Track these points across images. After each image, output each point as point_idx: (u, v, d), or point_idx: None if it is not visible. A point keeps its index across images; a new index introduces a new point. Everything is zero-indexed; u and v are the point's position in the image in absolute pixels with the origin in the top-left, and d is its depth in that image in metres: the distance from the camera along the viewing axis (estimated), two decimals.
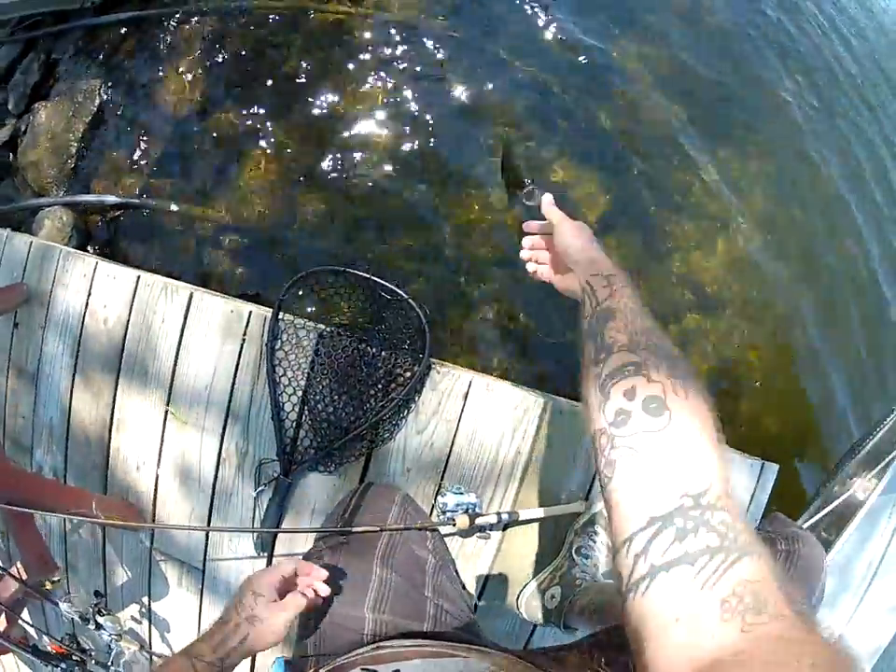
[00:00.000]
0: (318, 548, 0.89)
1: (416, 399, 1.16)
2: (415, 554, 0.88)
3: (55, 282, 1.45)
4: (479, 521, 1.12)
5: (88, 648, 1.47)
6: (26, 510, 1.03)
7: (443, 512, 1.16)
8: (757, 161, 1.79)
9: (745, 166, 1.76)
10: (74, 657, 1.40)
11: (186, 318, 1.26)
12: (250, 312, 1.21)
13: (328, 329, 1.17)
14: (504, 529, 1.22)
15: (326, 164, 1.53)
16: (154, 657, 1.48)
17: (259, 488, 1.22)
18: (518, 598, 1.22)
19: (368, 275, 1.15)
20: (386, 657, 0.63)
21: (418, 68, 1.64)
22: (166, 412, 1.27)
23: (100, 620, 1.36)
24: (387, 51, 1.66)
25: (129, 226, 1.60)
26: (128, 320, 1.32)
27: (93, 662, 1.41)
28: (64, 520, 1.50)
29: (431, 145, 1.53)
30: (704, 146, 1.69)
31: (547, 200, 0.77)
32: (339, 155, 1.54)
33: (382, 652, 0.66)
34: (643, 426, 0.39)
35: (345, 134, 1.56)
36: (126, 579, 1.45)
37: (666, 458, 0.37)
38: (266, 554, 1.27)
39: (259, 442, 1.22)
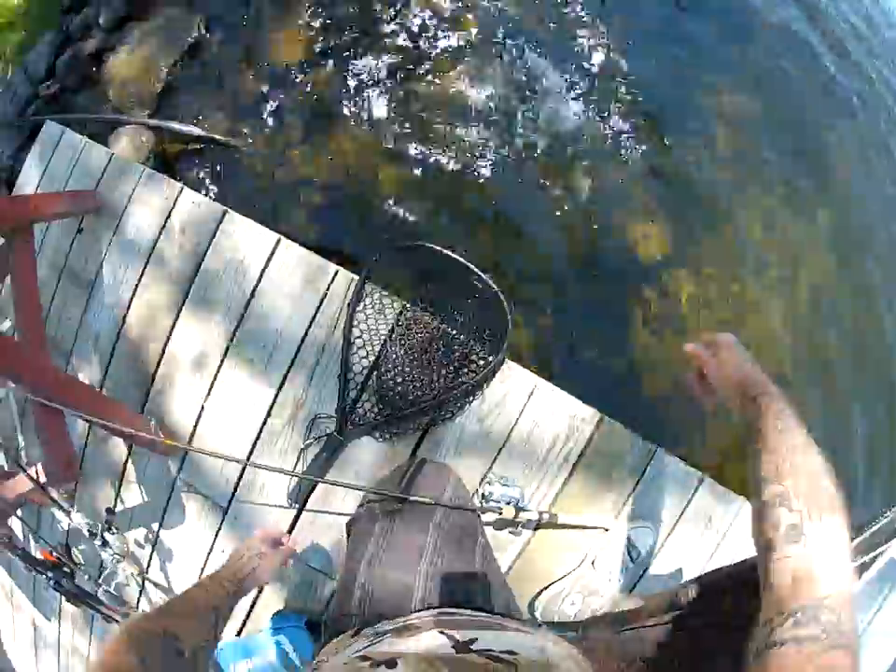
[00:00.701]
0: (372, 508, 0.89)
1: (484, 387, 1.16)
2: (467, 532, 0.90)
3: (132, 198, 1.40)
4: (522, 515, 1.13)
5: (79, 562, 1.43)
6: (66, 409, 0.99)
7: (487, 501, 1.17)
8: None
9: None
10: (64, 568, 1.36)
11: (268, 262, 1.23)
12: (337, 271, 1.19)
13: (411, 303, 1.16)
14: (535, 529, 1.23)
15: (420, 142, 1.51)
16: (149, 584, 1.45)
17: (309, 441, 1.21)
18: (535, 599, 1.23)
19: (463, 260, 1.15)
20: (464, 623, 0.63)
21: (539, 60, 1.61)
22: (227, 347, 1.25)
23: (108, 537, 1.32)
24: (498, 43, 1.64)
25: (208, 162, 1.55)
26: (206, 251, 1.29)
27: (85, 577, 1.37)
28: (89, 430, 1.46)
29: (536, 144, 1.52)
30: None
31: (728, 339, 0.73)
32: (435, 134, 1.52)
33: (456, 618, 0.65)
34: (787, 551, 0.47)
35: (447, 116, 1.54)
36: (141, 502, 1.41)
37: (801, 570, 0.46)
38: (297, 507, 1.25)
39: (319, 397, 1.21)
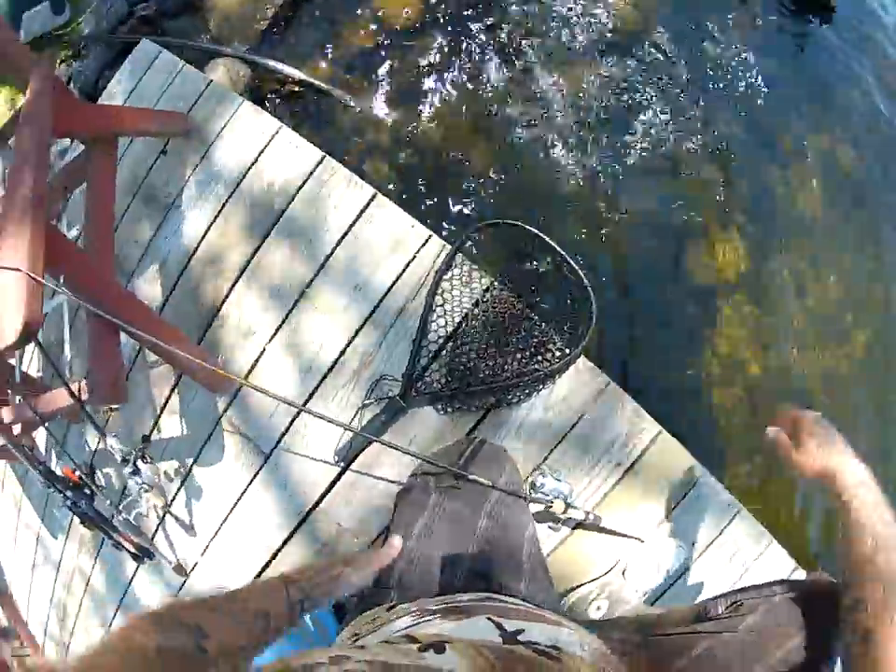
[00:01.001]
0: (427, 481, 0.86)
1: (556, 378, 1.14)
2: (519, 519, 0.87)
3: (226, 128, 1.37)
4: (570, 512, 1.11)
5: (101, 485, 1.40)
6: (129, 328, 0.95)
7: (536, 491, 1.15)
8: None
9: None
10: (84, 489, 1.33)
11: (360, 215, 1.20)
12: (430, 235, 1.16)
13: (499, 281, 1.14)
14: (574, 528, 1.21)
15: (523, 126, 1.47)
16: (170, 519, 1.43)
17: (369, 401, 1.18)
18: (563, 597, 1.21)
19: (558, 248, 1.13)
20: (510, 612, 0.60)
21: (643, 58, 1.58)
22: (302, 292, 1.22)
23: (140, 465, 1.28)
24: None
25: (303, 108, 1.52)
26: (296, 193, 1.26)
27: (105, 501, 1.34)
28: (138, 353, 1.43)
29: (633, 148, 1.49)
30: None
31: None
32: (540, 121, 1.48)
33: (502, 606, 0.62)
34: None
35: (555, 105, 1.50)
36: (179, 434, 1.38)
37: None
38: (342, 464, 1.23)
39: (388, 358, 1.18)
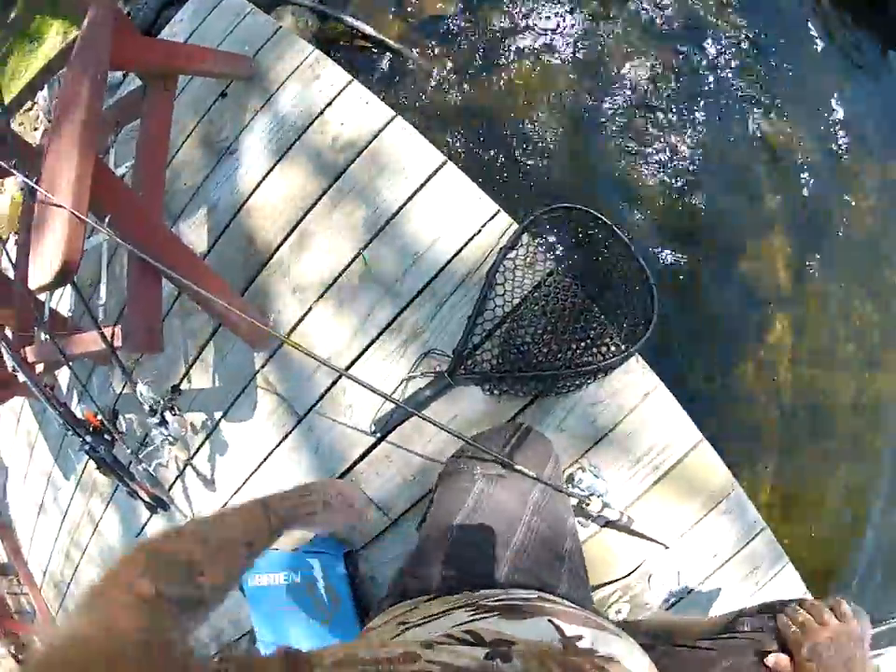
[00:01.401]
0: (473, 466, 0.81)
1: (608, 373, 1.10)
2: (562, 515, 0.83)
3: (292, 76, 1.30)
4: (605, 511, 1.08)
5: (122, 431, 1.35)
6: (174, 275, 0.89)
7: (573, 486, 1.12)
8: None
9: None
10: (105, 434, 1.28)
11: (428, 181, 1.14)
12: (498, 210, 1.10)
13: (563, 267, 1.09)
14: (603, 526, 1.18)
15: (597, 107, 1.40)
16: (190, 471, 1.39)
17: (415, 374, 1.14)
18: None
19: (629, 242, 1.08)
20: (568, 616, 0.56)
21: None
22: (359, 254, 1.17)
23: (168, 416, 1.22)
24: None
25: (370, 66, 1.45)
26: (361, 151, 1.20)
27: (125, 448, 1.29)
28: (177, 298, 1.38)
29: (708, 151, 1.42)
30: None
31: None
32: (613, 104, 1.41)
33: (559, 608, 0.58)
34: None
35: (640, 91, 1.43)
36: (211, 387, 1.34)
37: None
38: (378, 436, 1.19)
39: (439, 332, 1.13)
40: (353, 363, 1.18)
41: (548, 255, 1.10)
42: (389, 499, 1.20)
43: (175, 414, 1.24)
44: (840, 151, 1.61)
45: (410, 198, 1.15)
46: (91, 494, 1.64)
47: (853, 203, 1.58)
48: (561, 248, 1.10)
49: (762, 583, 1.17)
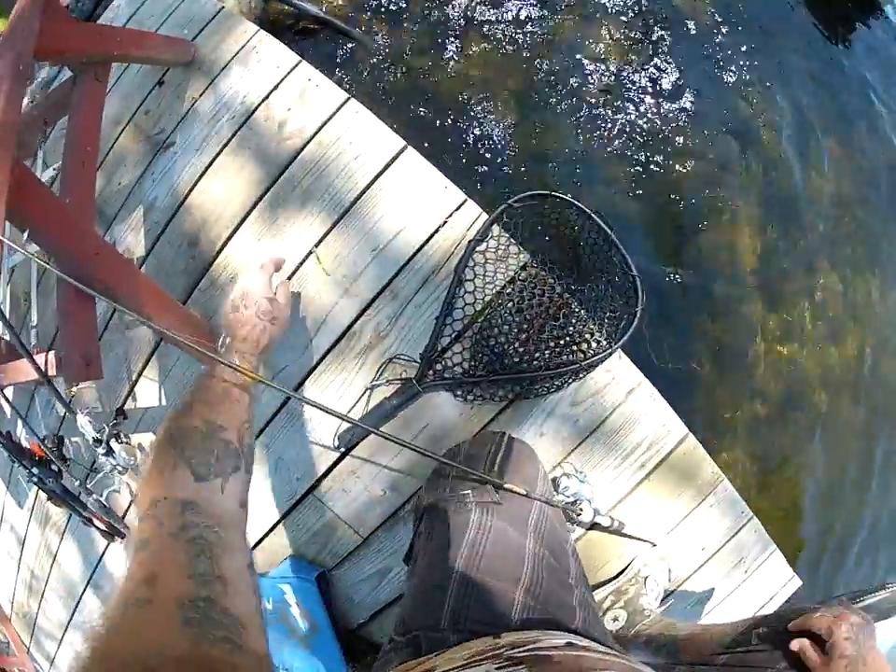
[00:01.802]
0: (461, 495, 0.65)
1: (589, 371, 0.92)
2: (561, 536, 0.68)
3: (235, 59, 1.08)
4: (598, 519, 0.91)
5: (69, 458, 1.11)
6: (111, 302, 0.67)
7: (559, 493, 0.94)
8: None
9: None
10: (52, 466, 1.04)
11: (386, 169, 0.94)
12: (465, 200, 0.92)
13: (538, 259, 0.91)
14: (588, 529, 1.01)
15: (557, 83, 1.21)
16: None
17: (378, 382, 0.94)
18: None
19: (610, 233, 0.91)
20: (603, 665, 0.43)
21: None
22: (311, 252, 0.96)
23: (115, 446, 0.99)
24: None
25: (317, 48, 1.22)
26: (312, 137, 0.98)
27: (73, 479, 1.05)
28: (114, 312, 1.13)
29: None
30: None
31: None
32: (573, 81, 1.22)
33: (591, 656, 0.45)
34: None
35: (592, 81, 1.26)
36: (157, 404, 1.10)
37: None
38: (342, 450, 0.99)
39: (404, 335, 0.94)
40: (310, 373, 0.97)
41: (521, 247, 0.92)
42: (359, 517, 1.01)
43: (121, 442, 1.01)
44: (803, 127, 1.47)
45: (367, 188, 0.95)
46: (45, 524, 1.38)
47: (815, 179, 1.45)
48: (535, 240, 0.91)
49: (750, 571, 1.06)
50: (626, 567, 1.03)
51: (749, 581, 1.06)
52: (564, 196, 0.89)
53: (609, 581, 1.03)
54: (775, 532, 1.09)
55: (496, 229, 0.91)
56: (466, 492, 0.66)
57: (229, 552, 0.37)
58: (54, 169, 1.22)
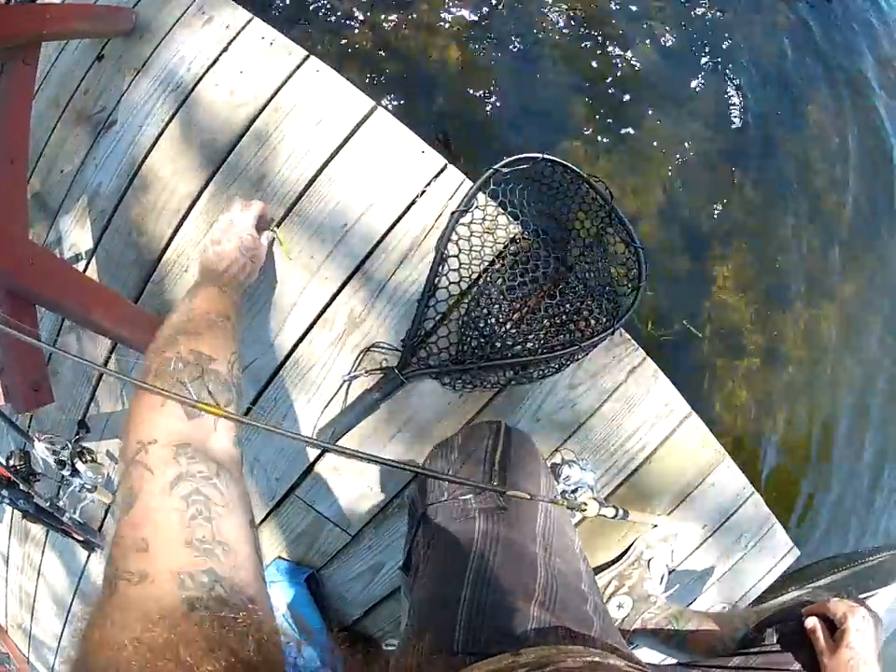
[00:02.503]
0: (467, 503, 0.51)
1: (588, 352, 0.71)
2: (568, 536, 0.53)
3: (179, 22, 0.81)
4: (603, 511, 0.72)
5: (39, 472, 0.86)
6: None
7: (560, 483, 0.74)
8: None
9: None
10: (20, 487, 0.80)
11: (353, 133, 0.71)
12: (445, 165, 0.69)
13: (529, 231, 0.69)
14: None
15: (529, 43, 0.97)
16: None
17: (356, 373, 0.71)
18: None
19: (609, 200, 0.69)
20: None
21: None
22: (271, 232, 0.71)
23: (80, 466, 0.77)
24: None
25: (269, 4, 0.93)
26: (267, 102, 0.74)
27: (44, 500, 0.81)
28: (63, 320, 0.87)
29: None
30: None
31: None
32: (546, 40, 0.97)
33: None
34: None
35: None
36: (121, 408, 0.86)
37: None
38: (318, 452, 0.77)
39: (383, 319, 0.72)
40: (280, 366, 0.74)
41: (510, 218, 0.69)
42: (345, 514, 0.81)
43: (85, 461, 0.80)
44: (771, 87, 1.24)
45: (331, 157, 0.71)
46: (25, 539, 1.14)
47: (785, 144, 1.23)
48: (525, 209, 0.69)
49: (749, 546, 0.90)
50: (627, 550, 0.85)
51: (748, 555, 0.92)
52: (556, 159, 0.67)
53: (611, 564, 0.86)
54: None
55: (481, 197, 0.69)
56: (467, 497, 0.51)
57: (228, 509, 0.29)
58: None
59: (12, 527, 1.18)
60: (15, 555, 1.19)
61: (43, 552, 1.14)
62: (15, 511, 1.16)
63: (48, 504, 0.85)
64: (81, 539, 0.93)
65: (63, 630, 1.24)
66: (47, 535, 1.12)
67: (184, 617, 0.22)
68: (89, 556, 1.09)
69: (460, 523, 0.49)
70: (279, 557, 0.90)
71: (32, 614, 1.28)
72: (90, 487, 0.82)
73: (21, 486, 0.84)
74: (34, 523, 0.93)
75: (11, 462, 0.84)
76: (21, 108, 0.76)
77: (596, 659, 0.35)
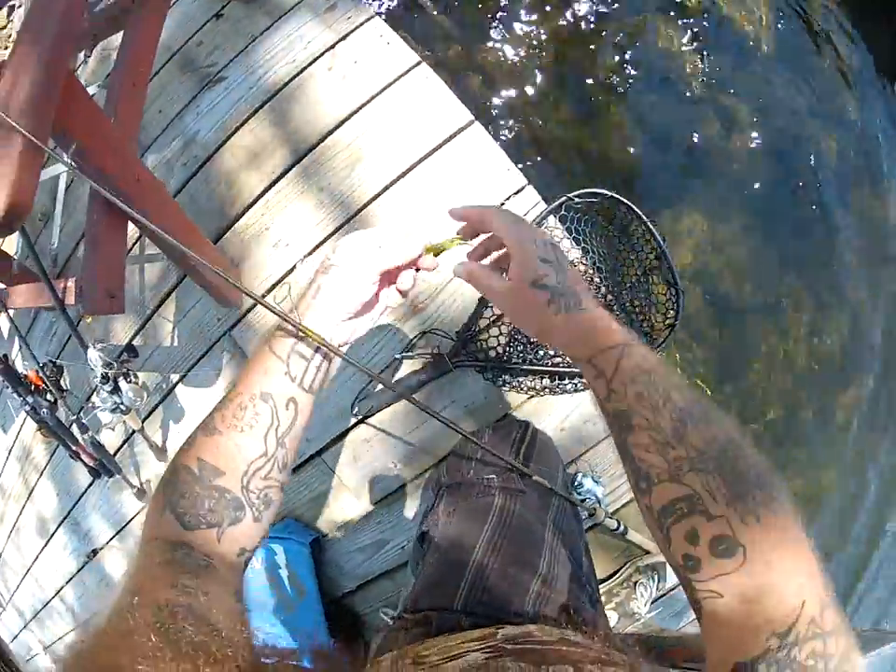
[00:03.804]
0: (490, 482, 0.56)
1: None
2: (575, 529, 0.59)
3: (303, 4, 0.90)
4: (607, 521, 0.80)
5: (67, 389, 0.91)
6: (150, 225, 0.49)
7: (573, 490, 0.82)
8: None
9: None
10: (48, 395, 0.85)
11: (450, 139, 0.79)
12: (526, 184, 0.78)
13: (589, 258, 0.78)
14: (590, 528, 0.90)
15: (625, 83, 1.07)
16: (141, 437, 0.95)
17: (409, 353, 0.79)
18: None
19: (663, 244, 0.78)
20: (585, 656, 0.33)
21: None
22: (359, 211, 0.78)
23: (122, 385, 0.81)
24: None
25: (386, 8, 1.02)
26: (376, 95, 0.82)
27: (70, 415, 0.86)
28: (136, 241, 0.93)
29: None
30: None
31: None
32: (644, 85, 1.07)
33: (581, 652, 0.36)
34: (717, 570, 0.27)
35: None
36: (168, 345, 0.92)
37: (748, 598, 0.26)
38: (355, 421, 0.84)
39: (443, 311, 0.79)
40: None
41: (573, 243, 0.78)
42: (364, 486, 0.87)
43: (129, 382, 0.83)
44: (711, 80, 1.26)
45: (426, 156, 0.80)
46: (24, 459, 1.16)
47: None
48: (587, 238, 0.78)
49: None
50: (618, 571, 0.93)
51: None
52: (624, 200, 0.77)
53: (601, 582, 0.92)
54: None
55: (551, 219, 0.77)
56: (490, 476, 0.56)
57: (219, 583, 0.30)
58: (97, 87, 1.00)
59: (14, 446, 1.20)
60: (12, 464, 1.21)
61: (40, 475, 1.16)
62: (23, 427, 1.21)
63: (72, 417, 0.90)
64: (91, 463, 0.97)
65: (38, 557, 1.25)
66: (49, 459, 1.15)
67: (150, 635, 0.23)
68: (90, 485, 1.12)
69: (481, 497, 0.54)
70: (289, 518, 0.96)
71: (10, 535, 1.29)
72: (124, 409, 0.85)
73: (50, 396, 0.89)
74: (47, 436, 0.97)
75: (43, 373, 0.90)
76: (150, 38, 0.80)
77: (567, 637, 0.36)
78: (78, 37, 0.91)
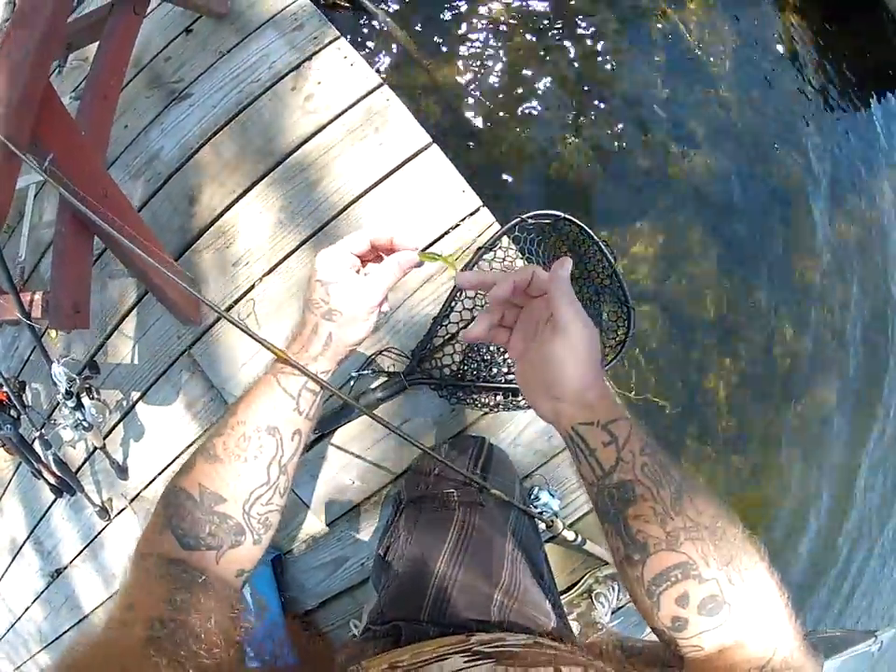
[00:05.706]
0: (450, 496, 0.59)
1: None
2: (534, 540, 0.63)
3: (271, 22, 0.94)
4: (565, 532, 0.84)
5: (28, 405, 0.92)
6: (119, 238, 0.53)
7: (530, 504, 0.86)
8: None
9: None
10: (11, 411, 0.87)
11: (407, 161, 0.83)
12: (481, 206, 0.82)
13: None
14: (549, 540, 0.94)
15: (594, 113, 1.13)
16: (103, 455, 0.97)
17: (364, 372, 0.83)
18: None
19: (614, 264, 0.83)
20: (567, 661, 0.36)
21: None
22: (316, 232, 0.83)
23: (85, 401, 0.83)
24: None
25: (345, 26, 1.06)
26: (338, 116, 0.86)
27: (33, 431, 0.88)
28: (99, 256, 0.96)
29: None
30: None
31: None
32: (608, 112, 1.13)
33: (560, 655, 0.38)
34: (702, 627, 0.30)
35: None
36: (129, 362, 0.94)
37: (728, 647, 0.30)
38: (317, 433, 0.87)
39: (399, 329, 0.83)
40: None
41: (526, 262, 0.82)
42: (323, 503, 0.90)
43: (92, 398, 0.85)
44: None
45: (384, 177, 0.84)
46: None
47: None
48: (541, 257, 0.83)
49: None
50: (578, 583, 0.97)
51: None
52: (576, 221, 0.82)
53: (562, 594, 0.96)
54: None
55: (505, 240, 0.82)
56: (450, 490, 0.60)
57: (213, 598, 0.32)
58: (70, 97, 1.03)
59: None
60: None
61: (3, 492, 1.18)
62: None
63: (35, 434, 0.92)
64: (53, 481, 0.99)
65: (5, 574, 1.26)
66: (13, 475, 1.17)
67: (140, 649, 0.25)
68: (53, 502, 1.14)
69: (441, 511, 0.57)
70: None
71: None
72: (87, 425, 0.87)
73: (13, 412, 0.91)
74: (10, 453, 0.99)
75: (4, 389, 0.92)
76: (123, 52, 0.83)
77: (539, 641, 0.39)
78: (61, 44, 0.95)
